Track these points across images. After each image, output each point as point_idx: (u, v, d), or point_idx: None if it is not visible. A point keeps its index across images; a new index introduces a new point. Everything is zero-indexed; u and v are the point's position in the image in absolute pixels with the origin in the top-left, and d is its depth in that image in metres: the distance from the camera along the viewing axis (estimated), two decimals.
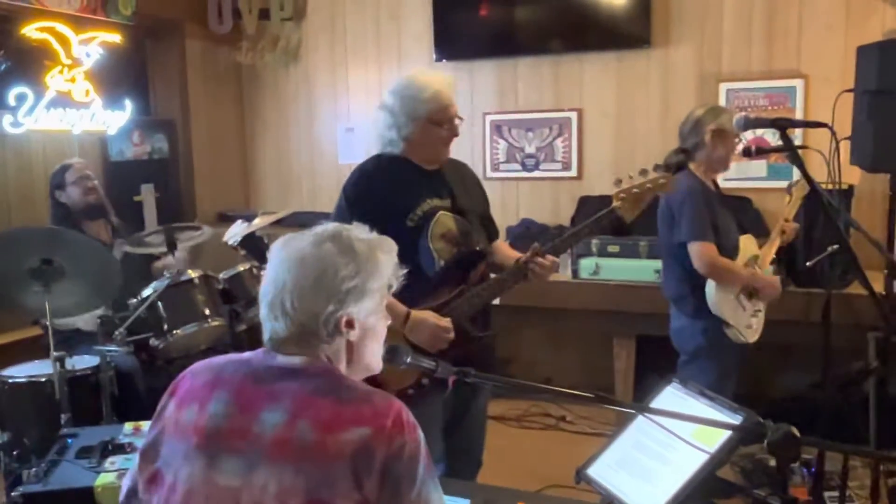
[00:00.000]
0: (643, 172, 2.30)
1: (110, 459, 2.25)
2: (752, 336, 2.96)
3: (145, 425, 2.56)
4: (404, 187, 2.35)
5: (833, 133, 2.12)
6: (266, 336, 1.33)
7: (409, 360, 1.41)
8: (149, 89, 5.09)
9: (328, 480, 1.17)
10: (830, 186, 2.52)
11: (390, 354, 1.41)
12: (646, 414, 1.35)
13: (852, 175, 3.85)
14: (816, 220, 3.53)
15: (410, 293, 2.09)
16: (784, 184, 3.97)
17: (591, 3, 4.50)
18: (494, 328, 2.45)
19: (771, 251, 3.06)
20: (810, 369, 3.58)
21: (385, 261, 1.35)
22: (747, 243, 3.04)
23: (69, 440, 2.43)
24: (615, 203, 2.28)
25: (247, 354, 1.35)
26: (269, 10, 5.21)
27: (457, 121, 2.38)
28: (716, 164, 2.97)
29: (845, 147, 3.37)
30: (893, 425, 3.35)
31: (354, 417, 1.20)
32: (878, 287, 3.41)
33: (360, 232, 1.36)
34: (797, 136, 4.05)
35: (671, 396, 1.53)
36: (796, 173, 4.27)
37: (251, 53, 5.28)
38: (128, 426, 2.51)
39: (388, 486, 1.18)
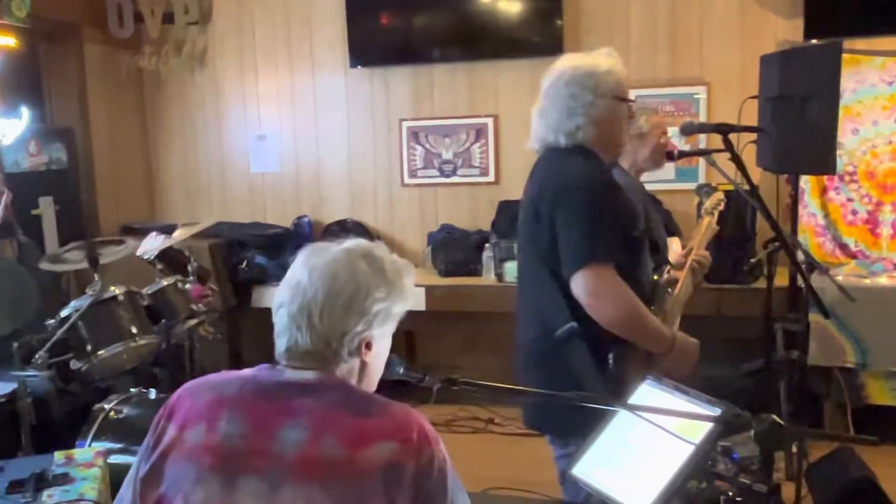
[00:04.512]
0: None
1: (47, 492, 2.12)
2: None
3: (77, 454, 2.41)
4: (627, 195, 2.15)
5: (770, 137, 2.26)
6: (283, 346, 1.29)
7: (401, 370, 1.40)
8: (45, 96, 4.79)
9: (360, 497, 1.15)
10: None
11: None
12: (635, 411, 1.40)
13: (754, 177, 4.10)
14: (727, 221, 3.75)
15: None
16: (691, 185, 4.17)
17: (503, 11, 4.60)
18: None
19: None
20: (722, 361, 3.79)
21: (410, 286, 1.36)
22: (672, 246, 3.18)
23: None
24: (707, 218, 2.54)
25: (248, 371, 1.31)
26: (174, 13, 5.01)
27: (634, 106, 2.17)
28: (643, 164, 3.06)
29: (750, 150, 3.60)
30: (805, 411, 3.59)
31: (378, 431, 1.20)
32: (783, 282, 3.66)
33: (387, 253, 1.37)
34: (701, 140, 4.27)
35: (647, 392, 1.59)
36: (701, 175, 4.54)
37: (154, 58, 5.07)
38: (58, 455, 2.36)
39: (421, 502, 1.18)
